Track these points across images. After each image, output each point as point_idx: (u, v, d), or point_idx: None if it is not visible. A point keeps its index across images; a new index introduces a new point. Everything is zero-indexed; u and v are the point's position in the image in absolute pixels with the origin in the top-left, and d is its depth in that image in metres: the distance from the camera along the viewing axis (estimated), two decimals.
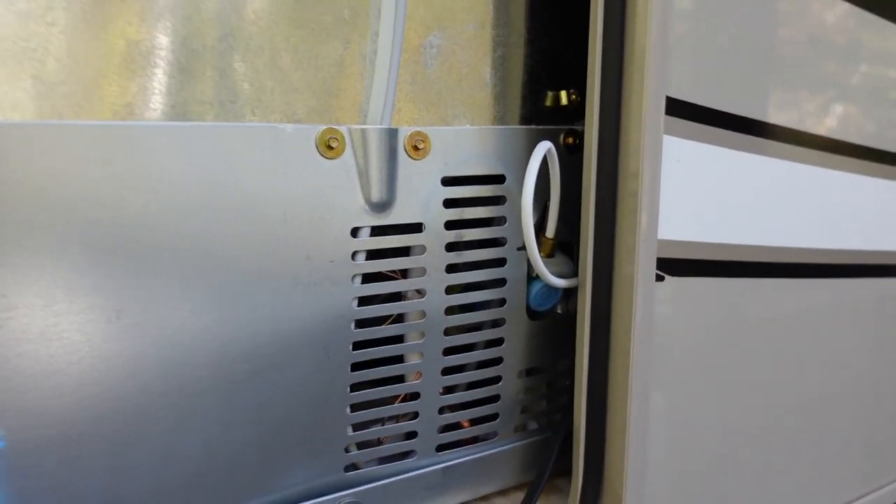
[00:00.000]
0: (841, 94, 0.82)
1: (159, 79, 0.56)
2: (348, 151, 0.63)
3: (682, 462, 0.79)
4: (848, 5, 0.78)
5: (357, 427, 0.70)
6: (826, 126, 0.80)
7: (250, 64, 0.59)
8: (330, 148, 0.62)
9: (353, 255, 0.65)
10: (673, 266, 0.72)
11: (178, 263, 0.57)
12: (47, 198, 0.51)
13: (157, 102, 0.56)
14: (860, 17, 0.81)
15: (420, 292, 0.70)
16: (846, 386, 0.91)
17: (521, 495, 0.79)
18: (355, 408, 0.69)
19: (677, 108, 0.69)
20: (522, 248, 0.74)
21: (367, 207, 0.65)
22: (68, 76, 0.52)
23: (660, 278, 0.72)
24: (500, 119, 0.73)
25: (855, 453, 0.96)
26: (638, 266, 0.69)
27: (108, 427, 0.56)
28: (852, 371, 0.91)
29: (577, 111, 0.76)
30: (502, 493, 0.81)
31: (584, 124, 0.71)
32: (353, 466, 0.70)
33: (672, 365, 0.74)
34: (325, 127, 0.62)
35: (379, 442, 0.72)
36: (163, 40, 0.55)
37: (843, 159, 0.81)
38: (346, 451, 0.69)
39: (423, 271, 0.70)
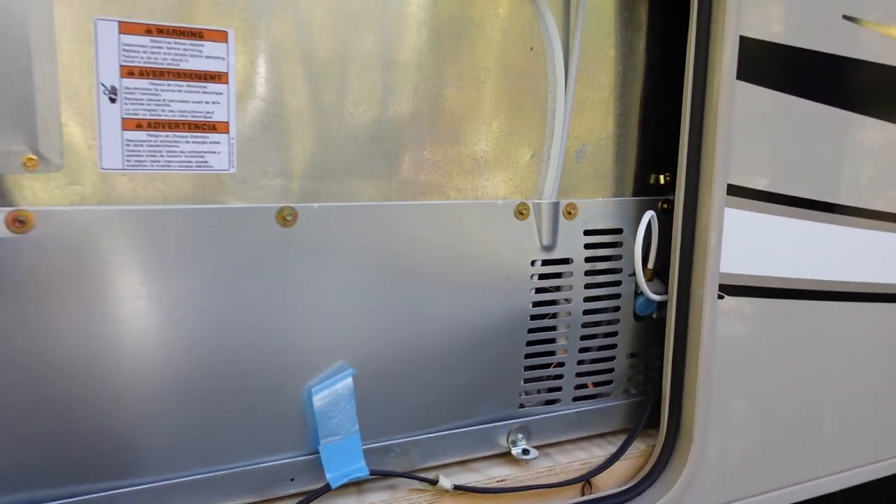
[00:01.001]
0: (847, 175, 1.22)
1: (440, 175, 1.01)
2: (532, 216, 1.08)
3: (736, 418, 1.20)
4: (848, 112, 1.18)
5: (526, 381, 1.14)
6: (837, 196, 1.20)
7: (481, 166, 1.04)
8: (521, 214, 1.07)
9: (531, 276, 1.10)
10: (730, 289, 1.14)
11: (431, 283, 1.02)
12: (354, 247, 0.97)
13: (437, 188, 1.02)
14: (851, 119, 1.21)
15: (567, 300, 1.14)
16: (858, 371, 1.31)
17: (624, 436, 1.22)
18: (526, 369, 1.13)
19: (735, 190, 1.11)
20: (632, 274, 1.16)
21: (540, 248, 1.09)
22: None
23: (720, 297, 1.13)
24: (620, 193, 1.16)
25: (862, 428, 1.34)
26: (706, 289, 1.11)
27: (403, 368, 1.02)
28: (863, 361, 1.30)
29: (670, 187, 1.18)
30: (612, 433, 1.24)
31: (674, 196, 1.13)
32: (522, 405, 1.14)
33: (728, 354, 1.15)
34: (519, 201, 1.07)
35: (538, 392, 1.16)
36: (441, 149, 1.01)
37: (846, 218, 1.21)
38: (519, 395, 1.13)
39: (570, 287, 1.13)
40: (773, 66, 1.11)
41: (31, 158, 0.79)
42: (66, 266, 0.81)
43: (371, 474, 0.99)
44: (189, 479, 0.92)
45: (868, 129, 1.22)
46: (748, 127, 1.10)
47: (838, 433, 1.32)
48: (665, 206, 1.19)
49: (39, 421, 0.83)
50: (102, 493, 0.87)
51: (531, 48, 1.05)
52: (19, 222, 0.79)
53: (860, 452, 1.36)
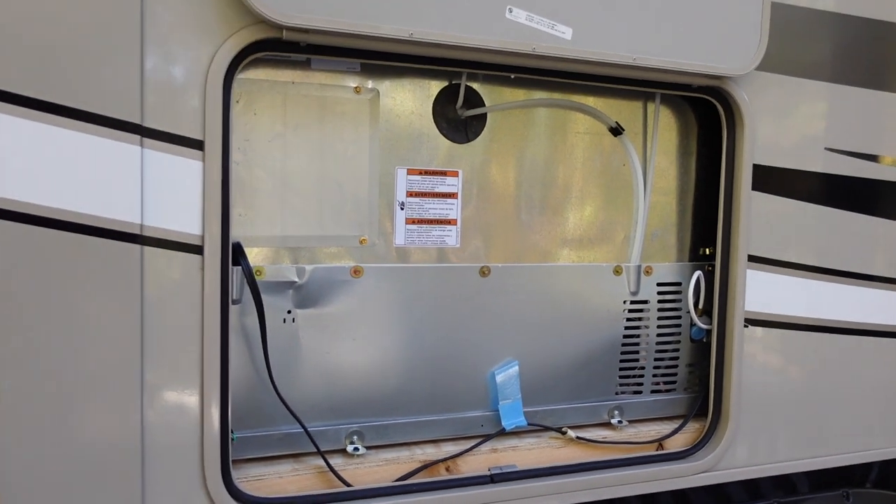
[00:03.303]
0: (822, 245, 1.86)
1: (569, 248, 1.71)
2: (624, 274, 1.76)
3: (759, 408, 1.82)
4: (823, 207, 1.83)
5: (620, 377, 1.80)
6: (818, 260, 1.84)
7: (593, 243, 1.74)
8: (617, 272, 1.76)
9: (623, 311, 1.77)
10: (752, 321, 1.79)
11: (563, 313, 1.71)
12: (521, 290, 1.67)
13: (567, 256, 1.71)
14: (824, 210, 1.86)
15: (647, 327, 1.81)
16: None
17: (683, 418, 1.86)
18: (620, 370, 1.79)
19: (753, 258, 1.77)
20: (688, 312, 1.83)
21: (629, 294, 1.77)
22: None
23: (746, 326, 1.78)
24: (679, 259, 1.83)
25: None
26: (736, 320, 1.76)
27: (546, 364, 1.70)
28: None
29: (711, 256, 1.84)
30: (675, 416, 1.87)
31: (714, 262, 1.79)
32: (617, 393, 1.80)
33: (753, 364, 1.79)
34: (616, 264, 1.75)
35: (628, 385, 1.82)
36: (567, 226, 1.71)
37: (825, 275, 1.84)
38: (616, 386, 1.80)
39: (647, 319, 1.81)
40: (774, 180, 1.78)
41: (363, 239, 1.53)
42: (377, 296, 1.54)
43: (528, 425, 1.67)
44: (425, 419, 1.61)
45: (833, 217, 1.86)
46: (759, 218, 1.77)
47: (833, 424, 1.93)
48: (709, 268, 1.85)
49: (356, 381, 1.54)
50: (382, 423, 1.58)
51: (623, 164, 1.75)
52: (356, 272, 1.52)
53: (850, 440, 1.96)
